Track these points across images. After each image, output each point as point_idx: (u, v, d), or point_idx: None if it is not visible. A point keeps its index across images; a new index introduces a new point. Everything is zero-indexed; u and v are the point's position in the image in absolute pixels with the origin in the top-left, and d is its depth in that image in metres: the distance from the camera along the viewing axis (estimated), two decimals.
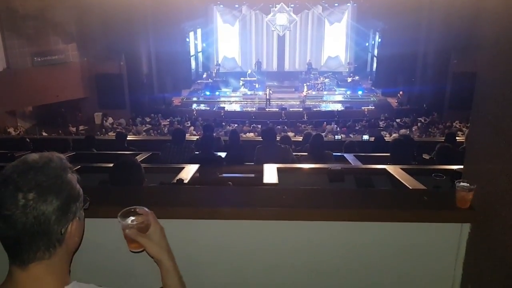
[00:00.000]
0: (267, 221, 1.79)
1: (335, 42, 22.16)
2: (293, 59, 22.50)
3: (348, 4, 21.44)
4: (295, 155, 5.13)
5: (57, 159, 1.02)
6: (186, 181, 3.36)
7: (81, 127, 15.68)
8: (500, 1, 1.63)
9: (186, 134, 6.73)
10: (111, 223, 1.67)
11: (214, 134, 7.80)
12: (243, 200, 1.93)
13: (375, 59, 21.07)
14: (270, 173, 3.56)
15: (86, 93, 17.24)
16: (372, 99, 18.73)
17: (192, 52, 21.25)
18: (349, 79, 20.40)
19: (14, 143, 7.38)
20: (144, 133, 14.51)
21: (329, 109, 18.03)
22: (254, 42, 22.30)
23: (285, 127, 15.04)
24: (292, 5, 21.15)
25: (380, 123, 15.93)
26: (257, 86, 19.84)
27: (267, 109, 17.71)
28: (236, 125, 15.17)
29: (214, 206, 1.83)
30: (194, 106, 18.60)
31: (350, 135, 13.62)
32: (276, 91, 19.48)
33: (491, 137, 1.65)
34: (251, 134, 13.35)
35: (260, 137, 6.97)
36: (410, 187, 3.11)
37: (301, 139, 7.49)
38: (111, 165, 2.73)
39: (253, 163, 4.85)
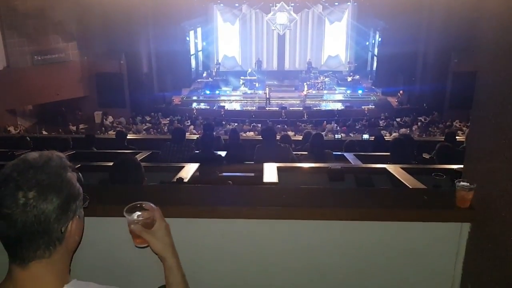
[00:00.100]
0: (267, 220, 1.79)
1: (335, 41, 22.13)
2: (293, 58, 22.48)
3: (349, 3, 21.41)
4: (295, 154, 5.13)
5: (57, 157, 1.02)
6: (186, 180, 3.37)
7: (81, 126, 15.67)
8: (500, 1, 1.63)
9: (186, 133, 6.73)
10: (111, 222, 1.67)
11: (214, 133, 7.80)
12: (243, 199, 1.93)
13: (375, 58, 21.05)
14: (270, 172, 3.56)
15: (86, 91, 17.22)
16: (372, 98, 18.72)
17: (192, 51, 21.23)
18: (349, 78, 20.38)
19: (14, 142, 7.38)
20: (144, 132, 14.51)
21: (329, 108, 18.01)
22: (254, 41, 22.27)
23: (285, 126, 15.04)
24: (292, 4, 21.13)
25: (380, 122, 15.93)
26: (257, 85, 19.82)
27: (267, 108, 17.70)
28: (236, 124, 15.15)
29: (214, 205, 1.83)
30: (194, 105, 18.58)
31: (350, 134, 13.63)
32: (276, 90, 19.47)
33: (491, 136, 1.65)
34: (251, 133, 13.35)
35: (260, 136, 6.97)
36: (410, 187, 3.12)
37: (301, 138, 7.49)
38: (111, 164, 2.73)
39: (253, 162, 4.85)
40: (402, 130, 14.14)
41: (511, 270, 1.50)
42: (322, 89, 19.79)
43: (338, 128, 14.97)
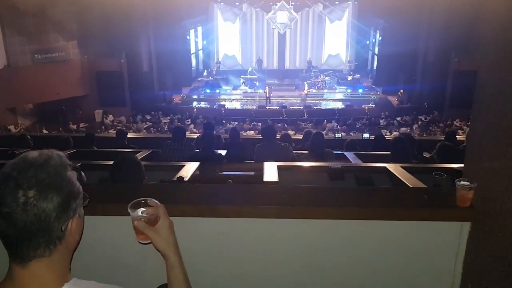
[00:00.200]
0: (267, 219, 1.79)
1: (336, 40, 22.10)
2: (293, 57, 22.45)
3: (349, 2, 21.37)
4: (296, 153, 5.13)
5: (57, 156, 1.02)
6: (186, 179, 3.37)
7: (81, 125, 15.68)
8: (500, 1, 1.63)
9: (187, 132, 6.73)
10: (111, 221, 1.67)
11: (214, 132, 7.80)
12: (243, 198, 1.93)
13: (375, 57, 21.01)
14: (270, 171, 3.56)
15: (87, 90, 17.22)
16: (372, 97, 18.70)
17: (193, 49, 21.20)
18: (350, 77, 20.35)
19: (14, 141, 7.37)
20: (144, 130, 14.50)
21: (330, 107, 17.98)
22: (254, 40, 22.24)
23: (285, 125, 15.03)
24: (292, 3, 21.09)
25: (381, 121, 15.92)
26: (257, 84, 19.80)
27: (267, 107, 17.69)
28: (236, 123, 15.14)
29: (214, 204, 1.83)
30: (195, 104, 18.56)
31: (351, 133, 13.61)
32: (277, 89, 19.44)
33: (492, 135, 1.65)
34: (251, 132, 13.33)
35: (260, 135, 6.97)
36: (411, 186, 3.12)
37: (301, 137, 7.48)
38: (111, 162, 2.74)
39: (253, 161, 4.85)
40: (403, 129, 14.11)
41: (511, 269, 1.50)
42: (322, 88, 19.77)
43: (339, 127, 14.95)
